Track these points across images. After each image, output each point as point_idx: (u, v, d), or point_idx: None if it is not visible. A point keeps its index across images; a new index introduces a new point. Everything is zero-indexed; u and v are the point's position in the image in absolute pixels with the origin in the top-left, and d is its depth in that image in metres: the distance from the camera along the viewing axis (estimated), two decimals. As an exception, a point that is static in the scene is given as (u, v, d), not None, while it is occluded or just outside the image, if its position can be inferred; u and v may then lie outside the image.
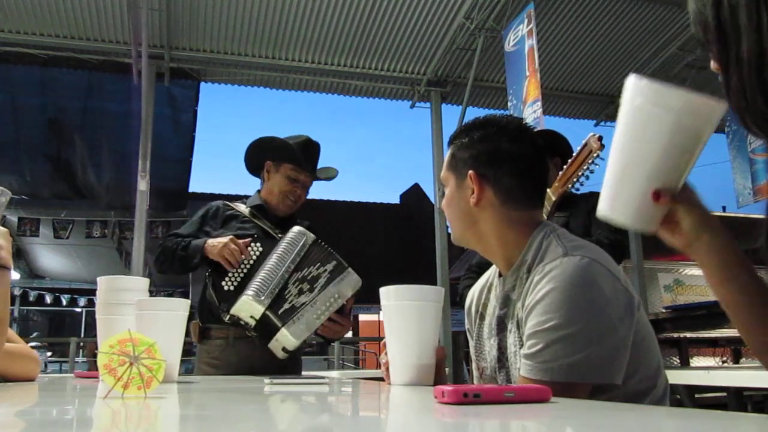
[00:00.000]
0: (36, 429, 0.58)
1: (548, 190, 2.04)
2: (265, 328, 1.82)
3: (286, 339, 1.79)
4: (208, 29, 5.90)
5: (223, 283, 1.88)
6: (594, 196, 2.45)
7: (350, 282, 1.91)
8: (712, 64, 0.71)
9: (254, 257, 1.92)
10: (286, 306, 1.81)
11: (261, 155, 2.15)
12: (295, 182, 2.09)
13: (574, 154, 1.96)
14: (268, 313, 1.79)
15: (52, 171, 7.49)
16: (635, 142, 0.76)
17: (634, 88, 0.76)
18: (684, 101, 0.73)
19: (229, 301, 1.83)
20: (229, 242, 1.90)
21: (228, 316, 1.86)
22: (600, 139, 1.93)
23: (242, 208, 2.12)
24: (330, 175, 2.21)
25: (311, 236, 1.94)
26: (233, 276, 1.89)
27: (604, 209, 0.80)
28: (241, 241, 1.93)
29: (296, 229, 1.95)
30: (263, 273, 1.83)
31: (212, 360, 1.97)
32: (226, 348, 1.97)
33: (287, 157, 2.08)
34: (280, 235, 1.99)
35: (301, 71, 6.60)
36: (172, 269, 2.02)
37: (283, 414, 0.75)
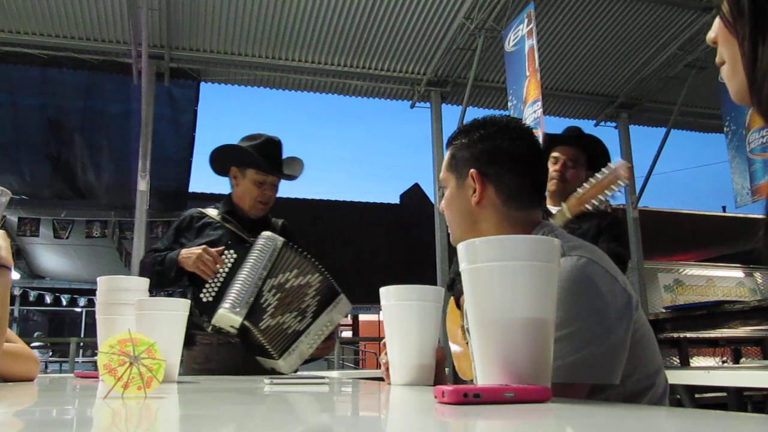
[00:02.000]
0: (36, 429, 0.58)
1: (564, 204, 2.01)
2: (247, 337, 1.84)
3: (279, 366, 1.84)
4: (208, 29, 5.91)
5: (201, 295, 1.89)
6: (608, 216, 2.39)
7: (342, 309, 1.92)
8: (719, 35, 0.66)
9: (229, 264, 1.92)
10: (268, 321, 1.81)
11: (225, 162, 2.15)
12: (262, 185, 2.09)
13: (599, 176, 1.91)
14: (246, 323, 1.80)
15: (52, 171, 7.49)
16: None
17: (464, 251, 0.72)
18: (525, 246, 0.70)
19: (210, 312, 1.85)
20: (202, 253, 1.91)
21: (210, 327, 1.89)
22: (630, 168, 1.88)
23: (214, 213, 2.13)
24: (294, 172, 2.19)
25: (280, 240, 1.92)
26: (210, 287, 1.90)
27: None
28: (214, 249, 1.93)
29: (265, 234, 1.94)
30: (237, 284, 1.84)
31: (196, 366, 1.99)
32: (210, 353, 1.99)
33: (250, 162, 2.08)
34: (252, 239, 1.98)
35: (301, 71, 6.60)
36: (152, 285, 2.05)
37: (283, 414, 0.75)
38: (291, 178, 2.17)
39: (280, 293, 1.84)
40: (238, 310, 1.79)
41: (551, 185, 2.30)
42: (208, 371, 1.96)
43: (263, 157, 2.08)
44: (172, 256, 1.98)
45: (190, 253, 1.93)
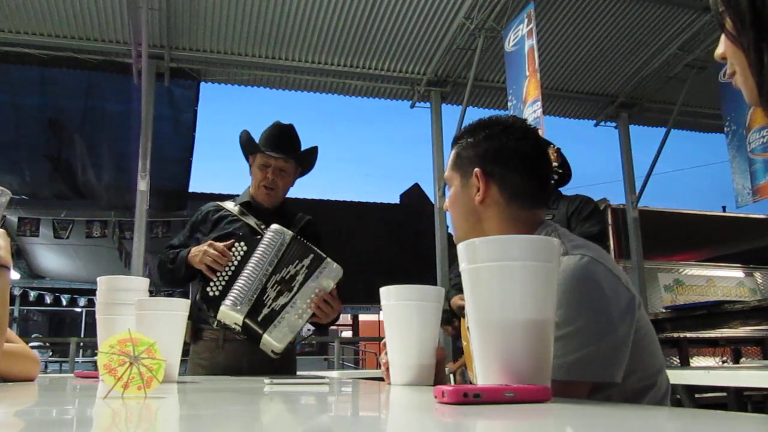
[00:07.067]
0: (36, 429, 0.58)
1: None
2: (251, 333, 1.82)
3: (270, 344, 1.78)
4: (208, 29, 5.90)
5: (208, 289, 1.87)
6: (577, 199, 2.46)
7: (330, 273, 1.84)
8: (726, 50, 0.71)
9: (238, 257, 1.89)
10: (266, 311, 1.79)
11: (244, 153, 2.18)
12: (266, 168, 2.08)
13: None
14: (247, 321, 1.77)
15: (52, 171, 7.48)
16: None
17: (464, 251, 0.74)
18: (525, 246, 0.71)
19: (215, 306, 1.83)
20: (208, 249, 1.88)
21: (216, 322, 1.87)
22: (558, 150, 1.90)
23: (231, 206, 2.11)
24: (302, 155, 2.15)
25: (288, 234, 1.88)
26: (218, 281, 1.87)
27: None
28: (223, 243, 1.90)
29: (273, 228, 1.90)
30: (241, 281, 1.81)
31: (202, 360, 1.98)
32: (215, 349, 1.98)
33: (254, 147, 2.10)
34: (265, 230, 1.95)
35: (301, 71, 6.60)
36: (169, 284, 2.11)
37: (283, 414, 0.75)
38: (296, 159, 2.13)
39: (281, 286, 1.82)
40: (239, 308, 1.77)
41: None
42: (213, 366, 1.95)
43: (268, 140, 2.08)
44: (183, 254, 1.97)
45: (198, 251, 1.91)
